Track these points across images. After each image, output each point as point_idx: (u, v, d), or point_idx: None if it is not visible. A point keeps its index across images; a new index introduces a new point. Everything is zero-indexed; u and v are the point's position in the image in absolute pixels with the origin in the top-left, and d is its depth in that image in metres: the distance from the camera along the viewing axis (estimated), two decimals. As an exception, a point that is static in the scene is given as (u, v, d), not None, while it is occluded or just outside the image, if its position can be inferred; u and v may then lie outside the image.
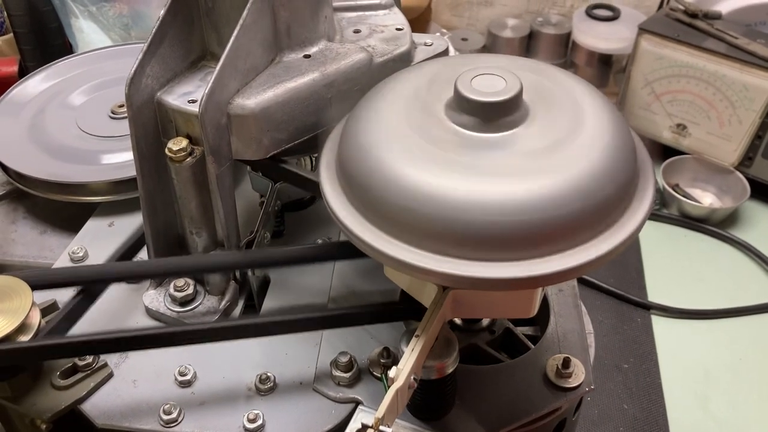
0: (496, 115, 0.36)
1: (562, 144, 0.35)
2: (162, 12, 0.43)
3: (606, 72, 0.99)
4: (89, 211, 0.57)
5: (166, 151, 0.43)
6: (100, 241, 0.54)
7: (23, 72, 0.94)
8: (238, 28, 0.41)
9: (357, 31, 0.49)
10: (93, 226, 0.56)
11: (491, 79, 0.37)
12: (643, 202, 0.37)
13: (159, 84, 0.44)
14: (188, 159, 0.43)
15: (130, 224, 0.55)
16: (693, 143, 0.88)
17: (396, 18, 0.51)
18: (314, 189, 0.44)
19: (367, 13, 0.51)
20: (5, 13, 0.98)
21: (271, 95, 0.42)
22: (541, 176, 0.34)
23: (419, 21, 0.97)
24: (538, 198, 0.33)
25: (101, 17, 0.88)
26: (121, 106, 0.63)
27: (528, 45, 0.99)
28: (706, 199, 0.87)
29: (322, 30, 0.47)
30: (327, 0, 0.47)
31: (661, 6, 0.98)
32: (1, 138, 0.59)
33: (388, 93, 0.40)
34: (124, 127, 0.61)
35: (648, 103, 0.89)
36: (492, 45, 0.98)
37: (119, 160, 0.58)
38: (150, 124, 0.44)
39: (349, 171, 0.38)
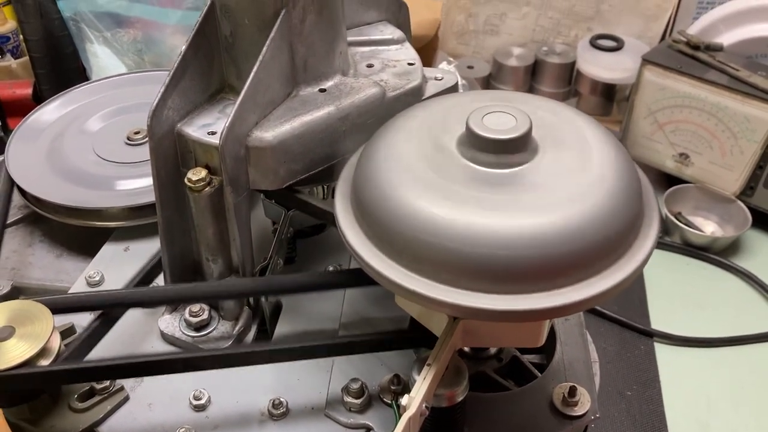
0: (507, 152, 0.38)
1: (570, 181, 0.37)
2: (184, 47, 0.44)
3: (609, 100, 1.00)
4: (105, 235, 0.58)
5: (186, 180, 0.44)
6: (116, 265, 0.55)
7: (37, 94, 0.96)
8: (257, 64, 0.42)
9: (370, 66, 0.51)
10: (109, 250, 0.57)
11: (502, 116, 0.39)
12: (648, 237, 0.38)
13: (179, 116, 0.45)
14: (207, 189, 0.44)
15: (145, 249, 0.56)
16: (695, 172, 0.89)
17: (408, 53, 0.53)
18: (328, 218, 0.46)
19: (380, 48, 0.53)
20: (21, 36, 1.00)
21: (287, 128, 0.44)
22: (549, 212, 0.35)
23: (427, 49, 0.99)
24: (547, 233, 0.35)
25: (115, 43, 0.90)
26: (137, 132, 0.64)
27: (533, 73, 1.00)
28: (708, 227, 0.88)
29: (337, 65, 0.48)
30: (342, 36, 0.48)
31: (664, 37, 1.00)
32: (20, 163, 0.61)
33: (401, 128, 0.42)
34: (139, 153, 0.63)
35: (651, 133, 0.91)
36: (497, 73, 1.00)
37: (135, 186, 0.59)
38: (170, 153, 0.45)
39: (363, 203, 0.39)
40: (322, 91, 0.47)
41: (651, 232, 0.38)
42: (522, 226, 0.35)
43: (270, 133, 0.43)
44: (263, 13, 0.44)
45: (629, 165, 0.39)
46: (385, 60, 0.52)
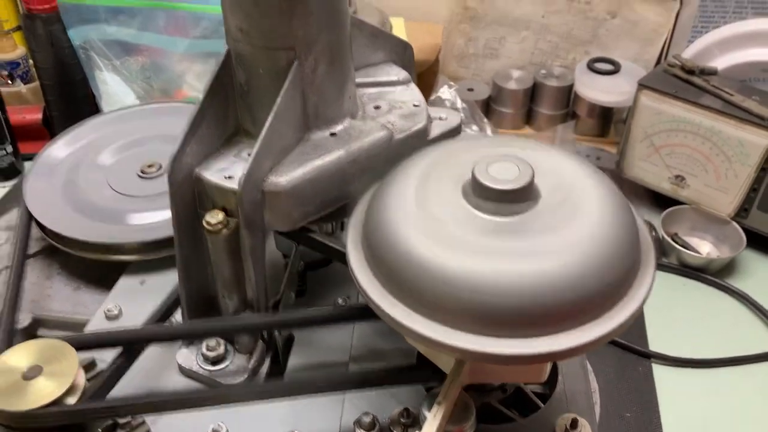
0: (510, 201, 0.40)
1: (571, 229, 0.39)
2: (201, 96, 0.47)
3: (607, 122, 1.03)
4: (121, 267, 0.60)
5: (204, 223, 0.46)
6: (133, 299, 0.57)
7: (47, 119, 0.98)
8: (272, 114, 0.45)
9: (377, 107, 0.53)
10: (125, 284, 0.59)
11: (505, 165, 0.41)
12: (646, 277, 0.40)
13: (197, 161, 0.47)
14: (224, 231, 0.47)
15: (160, 282, 0.59)
16: (691, 194, 0.91)
17: (413, 94, 0.55)
18: (338, 257, 0.48)
19: (386, 89, 0.55)
20: (31, 61, 1.02)
21: (300, 173, 0.46)
22: (551, 260, 0.37)
23: (428, 73, 1.02)
24: (548, 281, 0.37)
25: (124, 70, 0.92)
26: (150, 166, 0.66)
27: (532, 96, 1.03)
28: (703, 247, 0.91)
29: (346, 108, 0.50)
30: (351, 81, 0.51)
31: (659, 60, 1.02)
32: (37, 197, 0.63)
33: (410, 174, 0.44)
34: (153, 186, 0.65)
35: (648, 155, 0.93)
36: (497, 95, 1.02)
37: (150, 220, 0.61)
38: (188, 196, 0.48)
39: (372, 246, 0.42)
40: (333, 135, 0.49)
41: (648, 273, 0.40)
42: (524, 274, 0.37)
43: (284, 178, 0.45)
44: (276, 64, 0.46)
45: (626, 211, 0.41)
46: (391, 101, 0.54)
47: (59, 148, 0.68)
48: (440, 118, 0.54)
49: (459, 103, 0.99)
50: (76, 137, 0.70)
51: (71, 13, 0.88)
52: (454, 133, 0.54)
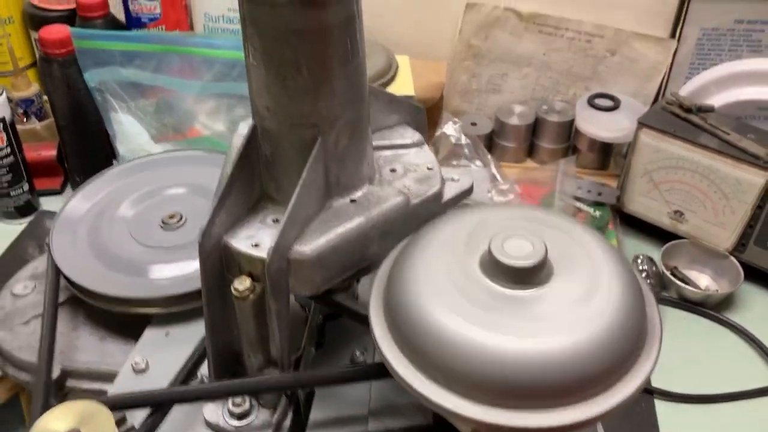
0: (524, 277, 0.42)
1: (582, 305, 0.41)
2: (229, 169, 0.49)
3: (607, 156, 1.05)
4: (146, 318, 0.63)
5: (232, 290, 0.49)
6: (159, 351, 0.59)
7: (61, 156, 1.00)
8: (297, 190, 0.47)
9: (393, 170, 0.56)
10: (150, 336, 0.61)
11: (520, 242, 0.43)
12: (651, 353, 0.43)
13: (225, 229, 0.50)
14: (251, 296, 0.49)
15: (185, 333, 0.61)
16: (690, 229, 0.94)
17: (426, 156, 0.58)
18: (360, 320, 0.50)
19: (400, 151, 0.58)
20: (45, 97, 1.05)
21: (324, 241, 0.49)
22: (563, 336, 0.40)
23: (433, 108, 1.04)
24: (560, 356, 0.39)
25: (138, 111, 0.95)
26: (172, 216, 0.69)
27: (533, 130, 1.05)
28: (702, 281, 0.93)
29: (365, 175, 0.53)
30: (369, 150, 0.53)
31: (658, 95, 1.05)
32: (62, 251, 0.65)
33: (429, 245, 0.46)
34: (175, 237, 0.67)
35: (647, 191, 0.96)
36: (500, 130, 1.05)
37: (173, 273, 0.63)
38: (216, 263, 0.50)
39: (393, 313, 0.45)
40: (353, 201, 0.52)
41: (654, 345, 0.43)
42: (536, 350, 0.40)
43: (308, 247, 0.48)
44: (301, 139, 0.48)
45: (636, 286, 0.44)
46: (406, 164, 0.56)
47: (81, 201, 0.71)
48: (453, 180, 0.57)
49: (463, 139, 1.02)
50: (96, 189, 0.72)
51: (87, 57, 0.90)
52: (466, 194, 0.56)
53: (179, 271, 0.63)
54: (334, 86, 0.47)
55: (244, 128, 0.57)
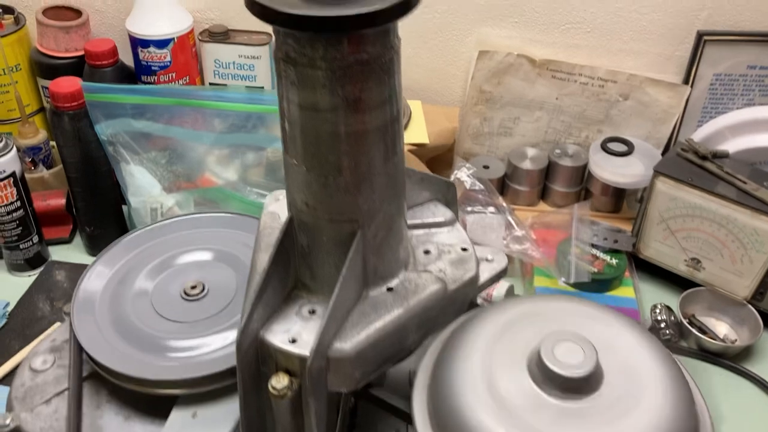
0: (575, 386, 0.42)
1: (634, 416, 0.41)
2: (267, 264, 0.48)
3: (620, 199, 1.05)
4: (173, 397, 0.62)
5: (269, 387, 0.48)
6: (188, 435, 0.58)
7: (71, 204, 0.99)
8: (338, 286, 0.46)
9: (427, 252, 0.55)
10: (177, 417, 0.60)
11: (570, 347, 0.43)
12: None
13: (261, 324, 0.49)
14: (288, 393, 0.48)
15: (212, 414, 0.60)
16: (707, 277, 0.94)
17: (459, 235, 0.57)
18: (401, 416, 0.50)
19: (432, 230, 0.57)
20: (52, 142, 1.03)
21: (363, 338, 0.48)
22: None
23: (445, 153, 1.04)
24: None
25: (150, 162, 0.93)
26: (194, 287, 0.68)
27: (547, 174, 1.05)
28: (721, 328, 0.93)
29: (401, 261, 0.52)
30: (405, 238, 0.52)
31: (670, 139, 1.05)
32: (85, 329, 0.63)
33: (475, 346, 0.46)
34: (198, 310, 0.66)
35: (664, 238, 0.95)
36: (512, 174, 1.05)
37: (197, 351, 0.62)
38: (252, 358, 0.49)
39: (440, 418, 0.44)
40: (390, 290, 0.51)
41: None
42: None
43: (348, 344, 0.47)
44: (340, 233, 0.48)
45: (687, 391, 0.43)
46: (439, 245, 0.56)
47: (100, 273, 0.69)
48: (487, 260, 0.56)
49: (477, 184, 1.01)
50: (113, 258, 0.71)
51: (98, 110, 0.89)
52: (501, 275, 0.56)
53: (204, 347, 0.62)
54: (374, 184, 0.46)
55: (271, 203, 0.56)
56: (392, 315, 0.49)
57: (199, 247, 0.72)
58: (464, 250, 0.55)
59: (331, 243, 0.48)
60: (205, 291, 0.67)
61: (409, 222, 0.57)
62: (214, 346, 0.62)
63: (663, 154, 1.03)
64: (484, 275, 0.55)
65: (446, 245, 0.55)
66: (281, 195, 0.61)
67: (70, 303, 0.66)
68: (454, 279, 0.52)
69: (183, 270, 0.70)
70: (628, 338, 0.45)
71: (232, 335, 0.62)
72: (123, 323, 0.64)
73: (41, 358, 0.67)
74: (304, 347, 0.47)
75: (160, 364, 0.61)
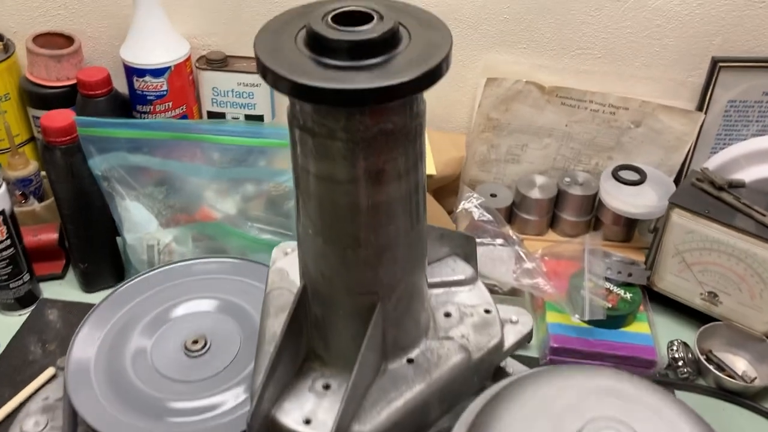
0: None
1: None
2: (279, 339, 0.45)
3: (631, 228, 1.02)
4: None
5: (284, 473, 0.44)
6: None
7: (63, 240, 0.95)
8: (357, 367, 0.43)
9: (448, 315, 0.52)
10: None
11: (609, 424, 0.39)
12: None
13: (272, 403, 0.45)
14: (304, 478, 0.45)
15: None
16: (725, 311, 0.91)
17: (481, 295, 0.54)
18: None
19: (452, 289, 0.54)
20: (43, 173, 0.99)
21: (384, 418, 0.44)
22: None
23: (452, 182, 1.00)
24: None
25: (145, 198, 0.90)
26: (195, 341, 0.64)
27: (556, 203, 1.02)
28: (739, 364, 0.90)
29: (422, 329, 0.49)
30: (428, 304, 0.49)
31: (683, 166, 1.02)
32: (79, 394, 0.60)
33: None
34: (200, 368, 0.63)
35: (679, 271, 0.92)
36: (521, 203, 1.02)
37: (199, 415, 0.59)
38: (264, 438, 0.46)
39: None
40: (410, 362, 0.48)
41: None
42: None
43: (368, 426, 0.44)
44: (358, 306, 0.44)
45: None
46: (460, 306, 0.52)
47: (96, 327, 0.66)
48: (512, 321, 0.53)
49: (485, 215, 0.98)
50: (107, 312, 0.67)
51: (92, 144, 0.85)
52: (527, 338, 0.52)
53: (206, 411, 0.59)
54: (396, 255, 0.43)
55: (279, 257, 0.53)
56: (414, 391, 0.46)
57: (198, 296, 0.69)
58: (487, 312, 0.52)
59: (348, 315, 0.45)
60: (208, 346, 0.64)
61: (429, 280, 0.53)
62: (220, 408, 0.59)
63: (675, 181, 1.01)
64: (509, 339, 0.51)
65: (468, 306, 0.52)
66: (289, 248, 0.58)
67: (61, 347, 0.63)
68: (478, 346, 0.49)
69: (182, 323, 0.66)
70: (674, 419, 0.42)
71: (238, 395, 0.58)
72: (121, 384, 0.61)
73: (33, 419, 0.63)
74: (320, 429, 0.43)
75: (162, 430, 0.57)
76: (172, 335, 0.65)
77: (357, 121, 0.36)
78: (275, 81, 0.35)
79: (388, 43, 0.35)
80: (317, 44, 0.36)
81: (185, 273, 0.71)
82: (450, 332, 0.50)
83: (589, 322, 0.90)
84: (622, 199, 0.98)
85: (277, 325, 0.48)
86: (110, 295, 0.68)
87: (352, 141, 0.37)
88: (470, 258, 0.56)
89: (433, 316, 0.51)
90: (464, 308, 0.52)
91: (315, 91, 0.34)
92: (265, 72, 0.35)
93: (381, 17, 0.36)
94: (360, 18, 0.37)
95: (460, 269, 0.55)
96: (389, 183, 0.39)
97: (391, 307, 0.45)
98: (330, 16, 0.36)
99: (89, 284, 0.94)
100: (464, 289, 0.54)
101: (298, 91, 0.34)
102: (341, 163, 0.38)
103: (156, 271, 0.71)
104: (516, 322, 0.53)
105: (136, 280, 0.70)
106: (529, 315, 0.54)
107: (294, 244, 0.59)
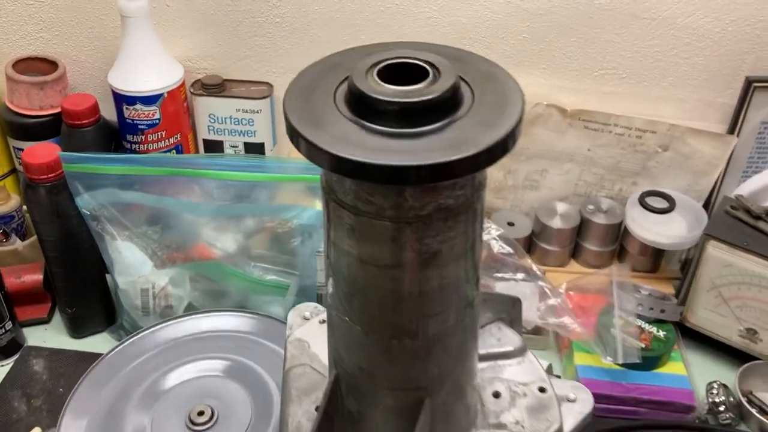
0: None
1: None
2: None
3: (659, 258, 0.96)
4: None
5: None
6: None
7: (49, 282, 0.87)
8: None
9: (497, 395, 0.45)
10: None
11: None
12: None
13: None
14: None
15: None
16: (765, 349, 0.85)
17: (533, 370, 0.47)
18: None
19: (499, 362, 0.47)
20: (24, 207, 0.92)
21: None
22: None
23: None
24: None
25: (138, 237, 0.83)
26: (201, 413, 0.57)
27: (579, 232, 0.96)
28: (782, 406, 0.84)
29: (471, 419, 0.42)
30: (477, 387, 0.42)
31: (713, 191, 0.96)
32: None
33: None
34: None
35: (715, 306, 0.86)
36: (540, 232, 0.95)
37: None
38: None
39: None
40: (459, 459, 0.41)
41: None
42: None
43: None
44: (402, 402, 0.37)
45: None
46: (511, 384, 0.46)
47: (82, 404, 0.58)
48: (568, 400, 0.46)
49: (505, 248, 0.91)
50: (102, 378, 0.60)
51: (79, 181, 0.78)
52: (587, 420, 0.46)
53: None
54: (448, 344, 0.36)
55: (297, 324, 0.47)
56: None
57: (201, 357, 0.62)
58: (542, 390, 0.45)
59: (390, 412, 0.38)
60: (215, 419, 0.57)
61: (471, 354, 0.47)
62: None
63: (705, 207, 0.95)
64: (568, 422, 0.45)
65: (519, 384, 0.45)
66: (308, 311, 0.51)
67: (48, 402, 0.55)
68: (534, 435, 0.42)
69: (185, 390, 0.59)
70: None
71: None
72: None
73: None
74: None
75: None
76: (173, 406, 0.58)
77: (410, 197, 0.30)
78: (311, 153, 0.28)
79: (449, 104, 0.29)
80: (361, 105, 0.29)
81: (185, 330, 0.64)
82: (501, 417, 0.43)
83: (621, 364, 0.84)
84: (650, 228, 0.92)
85: (301, 413, 0.41)
86: (102, 359, 0.61)
87: (404, 221, 0.30)
88: (515, 322, 0.50)
89: (480, 398, 0.44)
90: (515, 387, 0.45)
91: (361, 167, 0.27)
92: (297, 141, 0.28)
93: (437, 71, 0.30)
94: (411, 70, 0.30)
95: (506, 339, 0.48)
96: (445, 266, 0.32)
97: (440, 402, 0.38)
98: (376, 70, 0.29)
99: (78, 329, 0.87)
100: (513, 362, 0.47)
101: (340, 168, 0.27)
102: (389, 246, 0.31)
103: (152, 330, 0.64)
104: (573, 400, 0.46)
105: (130, 341, 0.63)
106: (588, 391, 0.47)
107: (313, 306, 0.52)
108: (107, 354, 0.62)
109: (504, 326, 0.49)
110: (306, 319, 0.51)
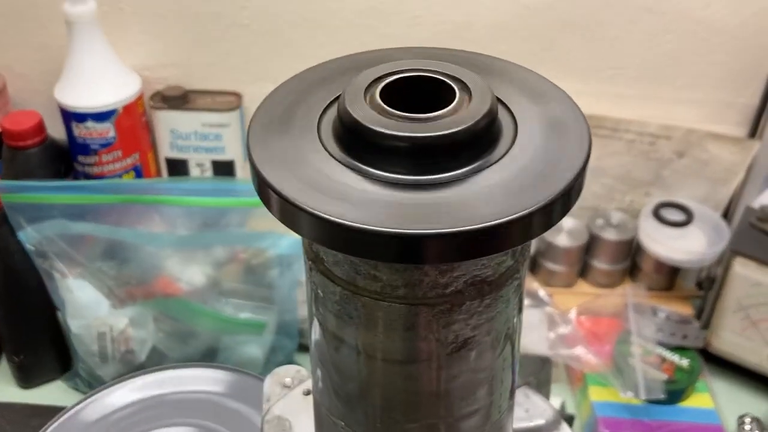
0: None
1: None
2: None
3: (675, 275, 0.87)
4: None
5: None
6: None
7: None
8: None
9: (530, 488, 0.36)
10: None
11: None
12: None
13: None
14: None
15: None
16: (800, 376, 0.77)
17: (573, 450, 0.38)
18: None
19: (531, 442, 0.38)
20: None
21: None
22: None
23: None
24: None
25: (92, 275, 0.72)
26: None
27: (587, 250, 0.87)
28: (820, 439, 0.76)
29: None
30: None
31: (731, 202, 0.88)
32: None
33: None
34: None
35: (742, 329, 0.78)
36: (546, 250, 0.86)
37: None
38: None
39: None
40: None
41: None
42: None
43: None
44: None
45: None
46: (546, 471, 0.36)
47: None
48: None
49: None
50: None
51: (21, 213, 0.68)
52: None
53: None
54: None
55: (275, 396, 0.38)
56: None
57: (169, 422, 0.52)
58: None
59: None
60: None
61: None
62: None
63: (723, 218, 0.86)
64: None
65: (556, 471, 0.36)
66: (289, 377, 0.42)
67: None
68: None
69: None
70: None
71: None
72: None
73: None
74: None
75: None
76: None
77: (431, 271, 0.20)
78: (284, 215, 0.18)
79: (485, 140, 0.19)
80: (358, 141, 0.19)
81: (150, 387, 0.54)
82: None
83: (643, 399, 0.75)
84: (666, 244, 0.83)
85: None
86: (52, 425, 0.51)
87: (423, 302, 0.21)
88: (544, 384, 0.41)
89: (510, 492, 0.35)
90: (552, 473, 0.36)
91: (354, 238, 0.17)
92: (267, 195, 0.19)
93: (467, 89, 0.20)
94: (424, 89, 0.20)
95: (536, 410, 0.39)
96: (480, 357, 0.23)
97: None
98: (380, 88, 0.20)
99: (27, 379, 0.77)
100: (547, 440, 0.38)
101: (323, 238, 0.18)
102: (401, 335, 0.22)
103: (106, 390, 0.54)
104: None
105: (83, 404, 0.53)
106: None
107: (294, 370, 0.43)
108: (58, 418, 0.52)
109: (531, 393, 0.40)
110: (286, 387, 0.41)
